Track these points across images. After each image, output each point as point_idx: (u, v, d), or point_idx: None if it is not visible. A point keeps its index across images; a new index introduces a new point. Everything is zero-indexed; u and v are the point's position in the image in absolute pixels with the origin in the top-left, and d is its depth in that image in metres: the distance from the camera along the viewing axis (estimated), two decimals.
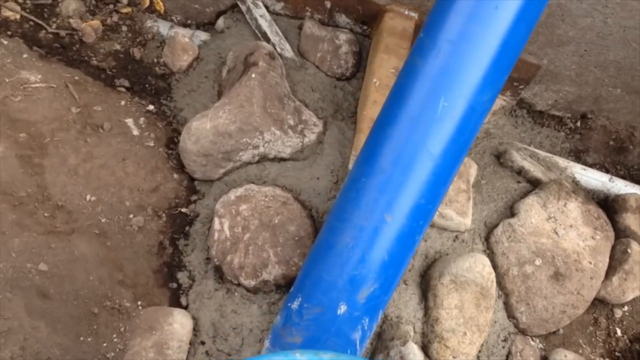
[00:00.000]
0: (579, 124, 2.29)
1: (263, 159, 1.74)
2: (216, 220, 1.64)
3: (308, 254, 1.54)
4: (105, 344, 1.48)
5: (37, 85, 1.74)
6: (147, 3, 2.26)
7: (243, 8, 2.11)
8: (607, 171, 2.29)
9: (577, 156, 2.30)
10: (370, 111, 1.81)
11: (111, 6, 2.19)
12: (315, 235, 1.63)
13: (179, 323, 1.50)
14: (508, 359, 1.76)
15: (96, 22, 2.13)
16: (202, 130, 1.66)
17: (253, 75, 1.74)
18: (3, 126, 1.62)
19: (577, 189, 1.98)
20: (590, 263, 1.83)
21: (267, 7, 2.14)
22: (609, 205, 2.06)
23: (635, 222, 2.01)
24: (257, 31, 2.08)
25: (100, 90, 1.86)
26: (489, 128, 2.17)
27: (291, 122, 1.77)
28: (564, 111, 2.30)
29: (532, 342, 1.81)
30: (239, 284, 1.60)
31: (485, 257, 1.69)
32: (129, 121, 1.82)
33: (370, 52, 2.08)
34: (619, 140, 2.30)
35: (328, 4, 2.10)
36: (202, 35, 2.17)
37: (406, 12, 2.05)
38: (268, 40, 2.04)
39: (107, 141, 1.75)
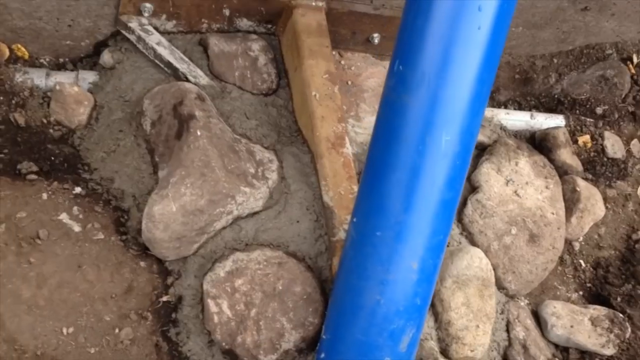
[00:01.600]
0: None
1: (236, 219, 1.59)
2: (210, 303, 1.49)
3: (330, 315, 1.46)
4: None
5: None
6: (7, 53, 1.91)
7: (132, 38, 1.85)
8: (519, 105, 2.37)
9: (491, 97, 2.35)
10: (323, 130, 1.70)
11: None
12: (319, 286, 1.55)
13: None
14: (509, 328, 1.83)
15: None
16: (168, 215, 1.47)
17: (198, 133, 1.55)
18: None
19: (520, 143, 2.03)
20: (553, 214, 1.91)
21: (157, 29, 1.88)
22: (542, 145, 2.15)
23: (569, 156, 2.12)
24: (157, 61, 1.84)
25: (10, 188, 1.57)
26: None
27: (252, 171, 1.61)
28: None
29: (521, 304, 1.90)
30: None
31: (479, 250, 1.71)
32: (64, 217, 1.57)
33: (287, 55, 1.92)
34: (523, 72, 2.37)
35: (227, 12, 1.90)
36: (89, 76, 1.89)
37: (314, 3, 1.91)
38: (175, 70, 1.81)
39: (51, 252, 1.50)
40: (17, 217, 1.51)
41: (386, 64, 2.11)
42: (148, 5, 1.81)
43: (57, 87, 1.80)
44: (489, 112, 2.16)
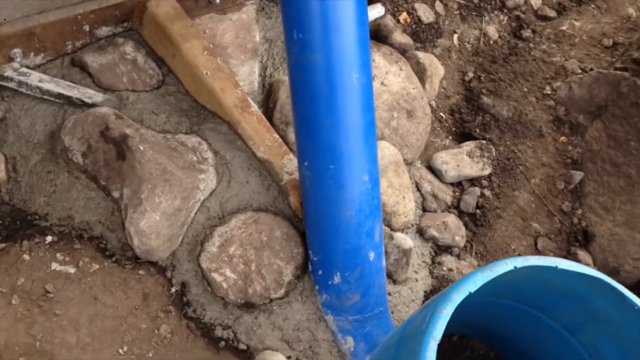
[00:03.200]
0: None
1: (202, 202, 1.84)
2: (214, 275, 1.77)
3: (314, 241, 1.81)
4: None
5: None
6: None
7: (12, 85, 1.91)
8: None
9: None
10: (228, 100, 1.94)
11: None
12: (290, 222, 1.87)
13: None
14: (418, 187, 2.30)
15: None
16: (155, 225, 1.69)
17: (141, 147, 1.74)
18: None
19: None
20: (414, 88, 2.36)
21: (28, 67, 1.95)
22: (378, 36, 2.54)
23: (401, 36, 2.54)
24: (46, 97, 1.93)
25: None
26: None
27: (195, 159, 1.85)
28: None
29: (418, 165, 2.37)
30: (271, 300, 1.82)
31: (384, 142, 2.12)
32: (55, 266, 1.72)
33: (157, 45, 2.07)
34: None
35: (87, 27, 2.00)
36: None
37: None
38: (68, 98, 1.93)
39: (66, 298, 1.67)
40: (18, 284, 1.65)
41: (231, 16, 2.35)
42: (17, 50, 1.86)
43: None
44: None
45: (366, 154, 1.71)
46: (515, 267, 1.54)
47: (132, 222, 1.69)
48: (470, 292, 1.46)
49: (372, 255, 1.79)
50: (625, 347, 1.67)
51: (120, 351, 1.63)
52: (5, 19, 1.77)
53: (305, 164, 1.72)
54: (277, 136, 1.94)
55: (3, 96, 1.94)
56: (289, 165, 1.89)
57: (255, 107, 1.97)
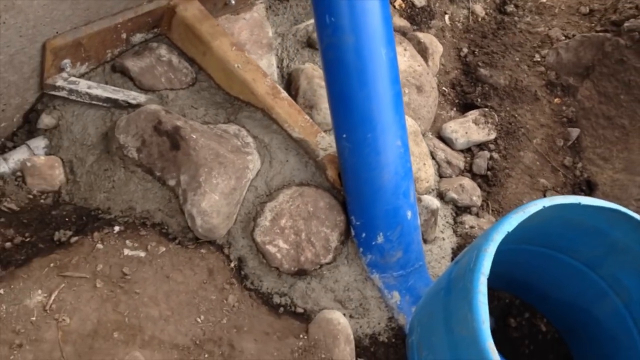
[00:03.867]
0: None
1: (250, 182, 2.01)
2: (269, 247, 1.95)
3: (355, 206, 1.99)
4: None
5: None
6: None
7: (63, 94, 2.07)
8: None
9: None
10: (260, 89, 2.12)
11: None
12: (330, 193, 2.06)
13: (341, 320, 1.91)
14: (433, 155, 2.50)
15: None
16: (216, 204, 1.86)
17: (194, 136, 1.91)
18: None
19: None
20: (419, 65, 2.56)
21: (74, 76, 2.11)
22: None
23: (399, 20, 2.75)
24: (94, 102, 2.09)
25: (72, 254, 1.84)
26: None
27: (239, 143, 2.02)
28: None
29: (430, 136, 2.57)
30: (321, 266, 2.01)
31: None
32: (127, 252, 1.88)
33: (186, 46, 2.25)
34: None
35: (124, 35, 2.16)
36: (39, 143, 2.09)
37: None
38: (115, 101, 2.09)
39: (142, 279, 1.83)
40: (98, 270, 1.81)
41: (244, 15, 2.53)
42: (67, 60, 2.02)
43: (28, 164, 2.00)
44: None
45: (397, 121, 1.90)
46: (544, 206, 1.72)
47: (193, 204, 1.87)
48: (508, 232, 1.65)
49: (409, 214, 1.98)
50: None
51: (198, 320, 1.80)
52: (57, 32, 1.92)
53: (344, 136, 1.90)
54: (308, 117, 2.13)
55: (55, 105, 2.09)
56: (322, 142, 2.07)
57: (285, 93, 2.16)
